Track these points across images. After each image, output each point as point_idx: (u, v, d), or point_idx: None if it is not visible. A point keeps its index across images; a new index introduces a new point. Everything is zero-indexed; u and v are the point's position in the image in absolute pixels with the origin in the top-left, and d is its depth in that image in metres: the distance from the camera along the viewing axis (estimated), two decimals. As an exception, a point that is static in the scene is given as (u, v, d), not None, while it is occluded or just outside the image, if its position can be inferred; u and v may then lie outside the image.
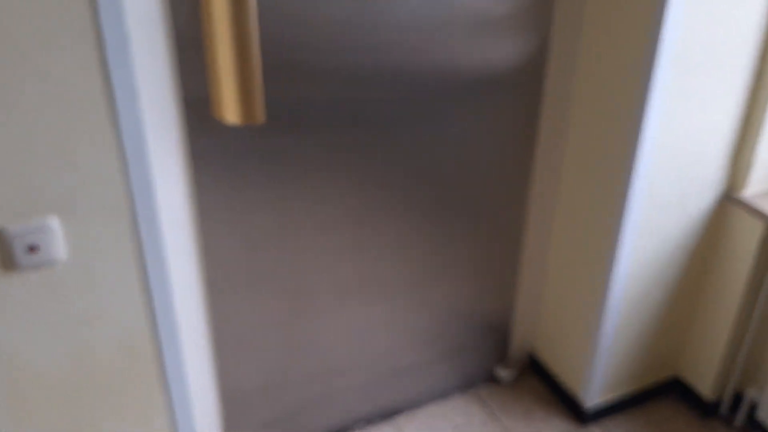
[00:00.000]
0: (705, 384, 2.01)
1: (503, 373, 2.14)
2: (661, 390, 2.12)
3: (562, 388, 2.07)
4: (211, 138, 1.43)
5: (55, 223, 1.14)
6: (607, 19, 1.61)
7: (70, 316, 1.22)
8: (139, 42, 1.20)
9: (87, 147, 1.11)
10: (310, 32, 1.41)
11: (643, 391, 2.08)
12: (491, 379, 2.17)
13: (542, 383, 2.16)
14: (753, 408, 1.96)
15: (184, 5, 1.27)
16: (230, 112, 1.38)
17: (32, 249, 1.14)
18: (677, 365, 2.10)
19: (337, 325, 1.80)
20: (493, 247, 1.93)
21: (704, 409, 2.03)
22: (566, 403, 2.06)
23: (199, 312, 1.55)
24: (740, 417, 1.98)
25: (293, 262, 1.65)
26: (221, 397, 1.72)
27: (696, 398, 2.05)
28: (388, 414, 2.04)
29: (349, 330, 1.83)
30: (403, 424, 2.01)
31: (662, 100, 1.56)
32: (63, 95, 1.06)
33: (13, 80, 1.03)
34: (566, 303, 1.98)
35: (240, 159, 1.48)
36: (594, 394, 1.97)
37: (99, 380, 1.31)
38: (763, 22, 1.58)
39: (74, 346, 1.26)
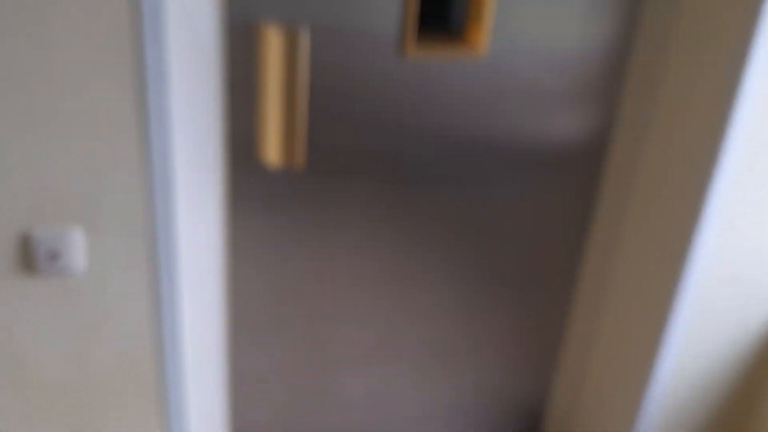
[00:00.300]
0: None
1: (530, 460, 2.02)
2: None
3: (590, 490, 1.93)
4: (253, 178, 1.46)
5: (78, 234, 1.19)
6: (680, 111, 1.54)
7: (78, 326, 1.26)
8: (188, 76, 1.25)
9: (116, 166, 1.16)
10: (362, 86, 1.42)
11: None
12: (517, 465, 2.05)
13: (571, 480, 2.02)
14: None
15: (240, 48, 1.32)
16: (271, 153, 1.41)
17: (53, 256, 1.19)
18: (722, 489, 1.91)
19: (360, 383, 1.77)
20: (535, 326, 1.84)
21: None
22: (592, 506, 1.92)
23: (216, 346, 1.56)
24: None
25: (322, 312, 1.64)
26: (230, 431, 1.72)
27: None
28: (402, 481, 1.97)
29: (371, 391, 1.79)
30: (417, 495, 1.93)
31: (726, 200, 1.47)
32: (98, 115, 1.12)
33: (53, 95, 1.09)
34: (606, 398, 1.86)
35: (280, 203, 1.50)
36: (622, 502, 1.82)
37: (97, 393, 1.34)
38: None
39: (78, 356, 1.29)
